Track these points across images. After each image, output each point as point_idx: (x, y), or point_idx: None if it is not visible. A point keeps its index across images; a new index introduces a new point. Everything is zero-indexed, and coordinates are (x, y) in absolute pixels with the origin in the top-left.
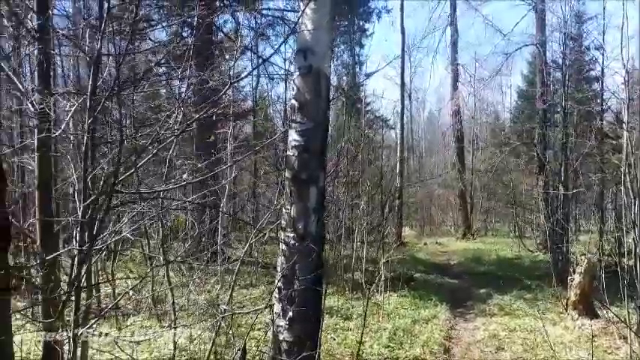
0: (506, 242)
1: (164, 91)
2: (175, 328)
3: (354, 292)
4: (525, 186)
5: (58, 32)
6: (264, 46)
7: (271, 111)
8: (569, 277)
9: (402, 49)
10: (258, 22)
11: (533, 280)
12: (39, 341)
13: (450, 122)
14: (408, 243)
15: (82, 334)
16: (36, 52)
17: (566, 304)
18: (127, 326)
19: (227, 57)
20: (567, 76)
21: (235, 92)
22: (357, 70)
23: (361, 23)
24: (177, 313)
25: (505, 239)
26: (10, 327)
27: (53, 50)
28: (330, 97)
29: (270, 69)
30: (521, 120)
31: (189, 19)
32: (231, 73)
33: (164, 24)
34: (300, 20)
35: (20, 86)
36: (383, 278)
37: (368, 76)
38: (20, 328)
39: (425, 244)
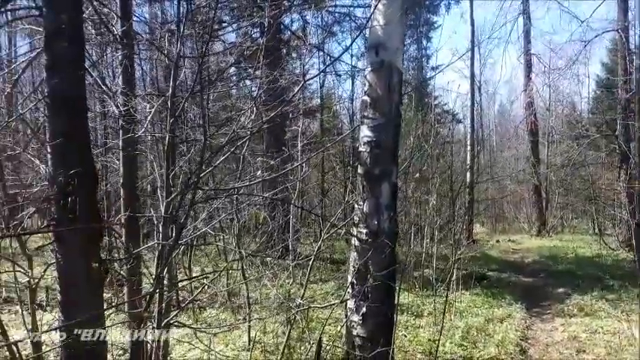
0: (585, 240)
1: (234, 91)
2: (250, 320)
3: (425, 290)
4: (606, 180)
5: (142, 37)
6: (331, 43)
7: (338, 108)
8: None
9: (472, 41)
10: (325, 19)
11: (616, 280)
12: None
13: (523, 115)
14: (479, 240)
15: (165, 324)
16: (120, 57)
17: None
18: (203, 318)
19: (294, 56)
20: None
21: (303, 90)
22: (425, 63)
23: (428, 16)
24: (251, 307)
25: (584, 237)
26: (103, 319)
27: (136, 54)
28: (403, 92)
29: (338, 66)
30: (601, 111)
31: (259, 20)
32: (299, 71)
33: (234, 25)
34: (371, 16)
35: (107, 90)
36: (454, 276)
37: (435, 69)
38: (107, 317)
39: (497, 241)
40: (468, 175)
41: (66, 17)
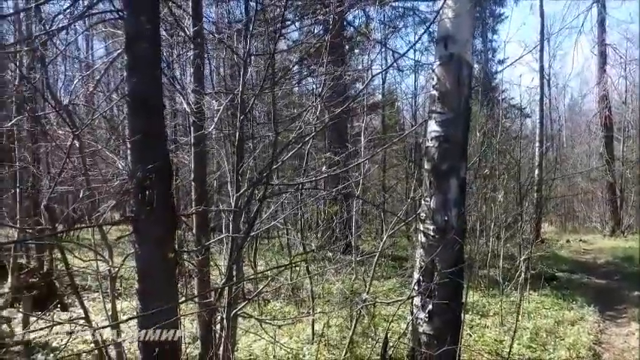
0: None
1: (296, 88)
2: (314, 314)
3: (490, 289)
4: None
5: (213, 36)
6: (394, 38)
7: (401, 104)
8: None
9: (542, 33)
10: (388, 14)
11: None
12: (193, 320)
13: (596, 109)
14: (548, 240)
15: (233, 315)
16: (192, 56)
17: None
18: (268, 311)
19: (357, 52)
20: None
21: (367, 86)
22: (490, 57)
23: (495, 8)
24: (314, 301)
25: None
26: (177, 306)
27: (207, 53)
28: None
29: (400, 61)
30: None
31: (323, 17)
32: (361, 67)
33: (297, 24)
34: (440, 9)
35: (179, 89)
36: (522, 276)
37: (502, 62)
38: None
39: (567, 241)
40: (537, 171)
41: (145, 19)
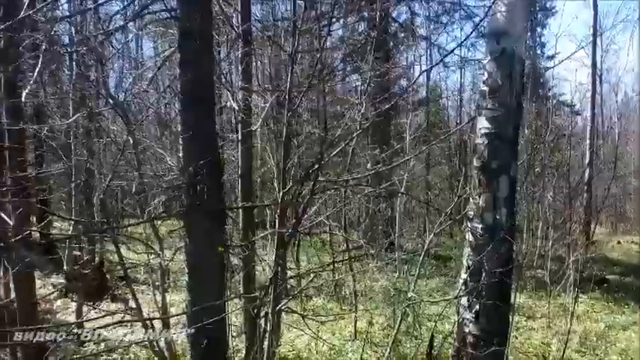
0: None
1: (339, 86)
2: (357, 311)
3: (537, 291)
4: None
5: (262, 34)
6: (438, 34)
7: (445, 100)
8: None
9: (594, 27)
10: (434, 10)
11: None
12: (239, 314)
13: None
14: (598, 241)
15: (278, 310)
16: (240, 54)
17: None
18: (310, 307)
19: (402, 48)
20: None
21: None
22: (539, 52)
23: (545, 1)
24: (357, 298)
25: None
26: (225, 300)
27: (256, 51)
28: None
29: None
30: None
31: (368, 13)
32: (406, 63)
33: (341, 21)
34: (493, 3)
35: (228, 86)
36: (571, 278)
37: (552, 58)
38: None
39: (618, 242)
40: (587, 170)
41: (197, 17)
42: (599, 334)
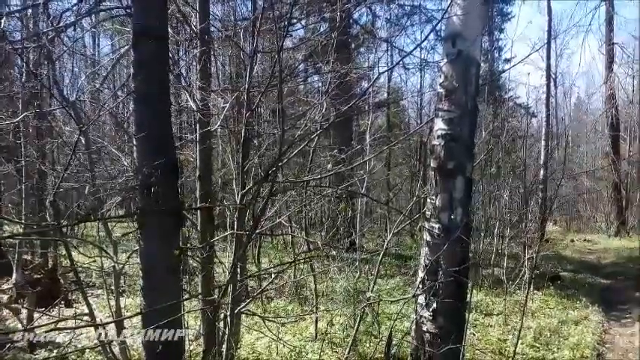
0: None
1: (301, 86)
2: (317, 312)
3: (494, 289)
4: None
5: (221, 33)
6: (399, 36)
7: (406, 102)
8: None
9: (549, 32)
10: (395, 12)
11: None
12: (197, 317)
13: (603, 108)
14: (552, 239)
15: (237, 312)
16: (198, 53)
17: None
18: (271, 309)
19: (363, 50)
20: None
21: (373, 84)
22: (496, 55)
23: (502, 6)
24: (318, 299)
25: None
26: (182, 304)
27: (213, 51)
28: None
29: (406, 59)
30: None
31: (329, 14)
32: (367, 65)
33: (303, 22)
34: (449, 6)
35: (185, 86)
36: (526, 275)
37: (508, 61)
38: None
39: (571, 240)
40: (542, 171)
41: (153, 16)
42: (553, 329)
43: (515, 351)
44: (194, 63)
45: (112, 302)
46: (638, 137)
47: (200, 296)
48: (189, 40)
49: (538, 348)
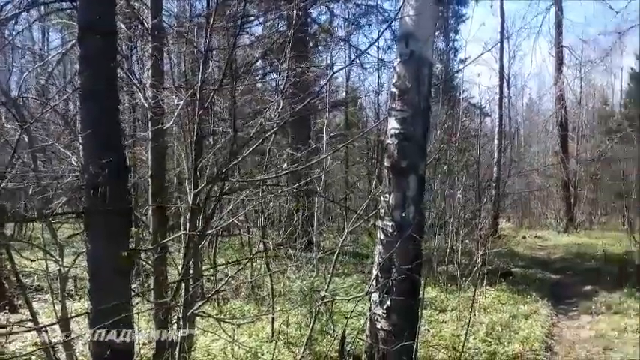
0: (614, 237)
1: (260, 84)
2: (273, 312)
3: (449, 285)
4: (637, 175)
5: (172, 30)
6: (358, 36)
7: (364, 101)
8: None
9: (501, 33)
10: (352, 12)
11: None
12: (149, 320)
13: (553, 109)
14: (505, 236)
15: (190, 314)
16: (150, 49)
17: None
18: (227, 310)
19: (321, 49)
20: None
21: (329, 83)
22: (452, 56)
23: (457, 8)
24: (274, 299)
25: (613, 233)
26: (131, 306)
27: (165, 47)
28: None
29: (364, 58)
30: (634, 104)
31: (286, 12)
32: (325, 64)
33: (261, 19)
34: (402, 6)
35: (136, 83)
36: (479, 272)
37: (463, 62)
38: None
39: (523, 237)
40: (495, 169)
41: (99, 10)
42: (504, 323)
43: (464, 345)
44: (146, 59)
45: (59, 307)
46: (586, 137)
47: (152, 298)
48: (141, 36)
49: (490, 342)
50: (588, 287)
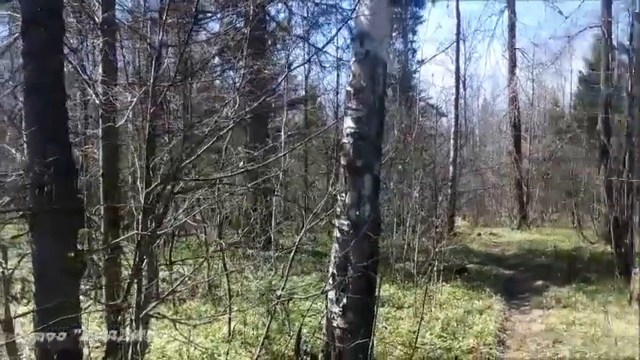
0: (564, 233)
1: (217, 82)
2: (230, 312)
3: (406, 282)
4: (586, 175)
5: (124, 25)
6: (316, 35)
7: (323, 100)
8: (633, 270)
9: (457, 35)
10: (311, 10)
11: (594, 273)
12: (102, 322)
13: (507, 109)
14: (460, 233)
15: (144, 316)
16: (101, 44)
17: (630, 298)
18: (183, 310)
19: (279, 47)
20: (634, 59)
21: (287, 81)
22: (410, 57)
23: (415, 9)
24: (232, 299)
25: (563, 230)
26: (79, 308)
27: (118, 43)
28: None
29: (322, 57)
30: (583, 106)
31: (243, 9)
32: (284, 62)
33: (218, 15)
34: (357, 6)
35: (86, 78)
36: (435, 268)
37: (421, 63)
38: (86, 309)
39: (478, 234)
40: (451, 168)
41: (43, 2)
42: (459, 319)
43: (416, 341)
44: (97, 55)
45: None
46: (538, 137)
47: (103, 299)
48: (92, 30)
49: (445, 338)
50: (540, 282)
